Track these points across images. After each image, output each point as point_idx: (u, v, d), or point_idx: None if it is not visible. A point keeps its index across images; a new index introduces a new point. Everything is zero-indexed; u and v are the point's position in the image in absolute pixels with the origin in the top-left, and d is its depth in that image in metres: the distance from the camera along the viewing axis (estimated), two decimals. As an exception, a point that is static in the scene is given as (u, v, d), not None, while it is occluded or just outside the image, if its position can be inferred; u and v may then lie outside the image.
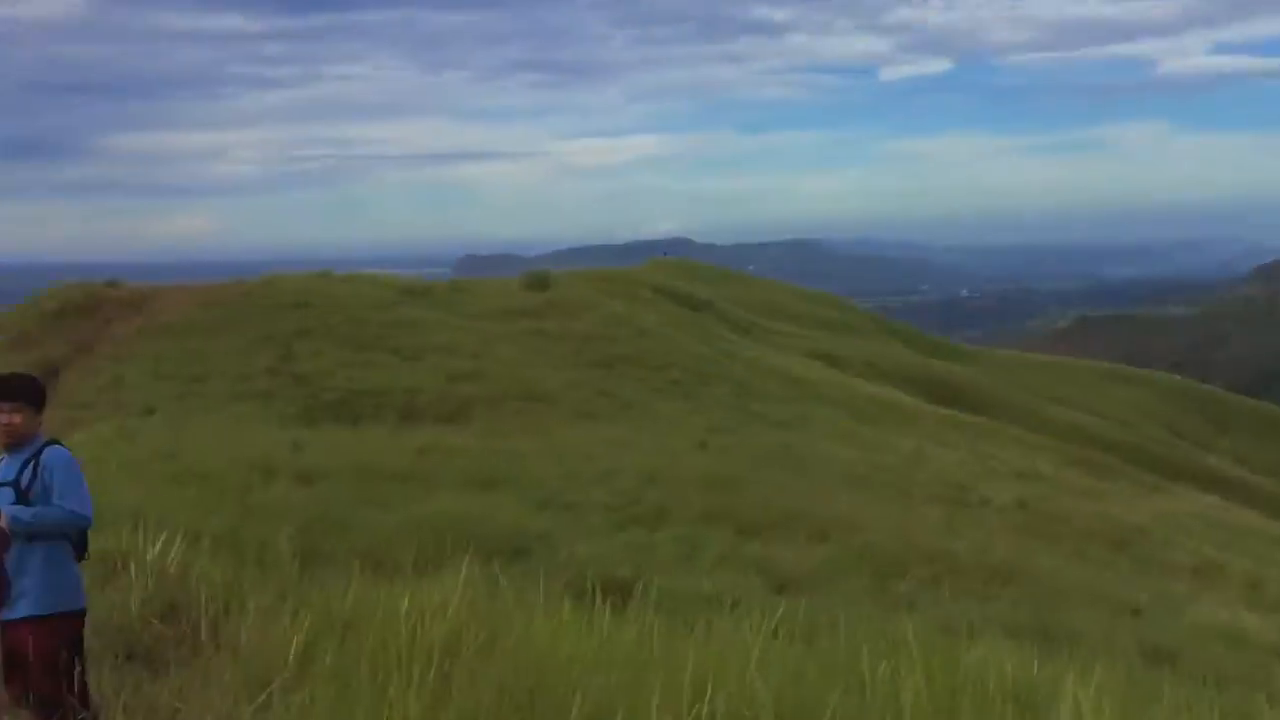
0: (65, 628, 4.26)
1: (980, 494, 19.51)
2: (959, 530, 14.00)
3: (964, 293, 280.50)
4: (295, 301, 24.26)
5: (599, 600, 5.12)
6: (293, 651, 4.45)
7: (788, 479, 15.70)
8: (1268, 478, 45.18)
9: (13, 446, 4.33)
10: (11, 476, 4.34)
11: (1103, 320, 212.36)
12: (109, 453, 10.96)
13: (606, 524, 10.33)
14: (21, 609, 4.19)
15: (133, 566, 5.31)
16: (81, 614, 4.35)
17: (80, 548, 4.43)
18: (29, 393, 4.37)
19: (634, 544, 8.97)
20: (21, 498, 4.26)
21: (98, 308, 22.97)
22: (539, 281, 30.30)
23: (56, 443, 4.45)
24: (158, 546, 5.51)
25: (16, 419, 4.28)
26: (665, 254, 79.39)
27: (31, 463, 4.31)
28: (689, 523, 10.96)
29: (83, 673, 4.23)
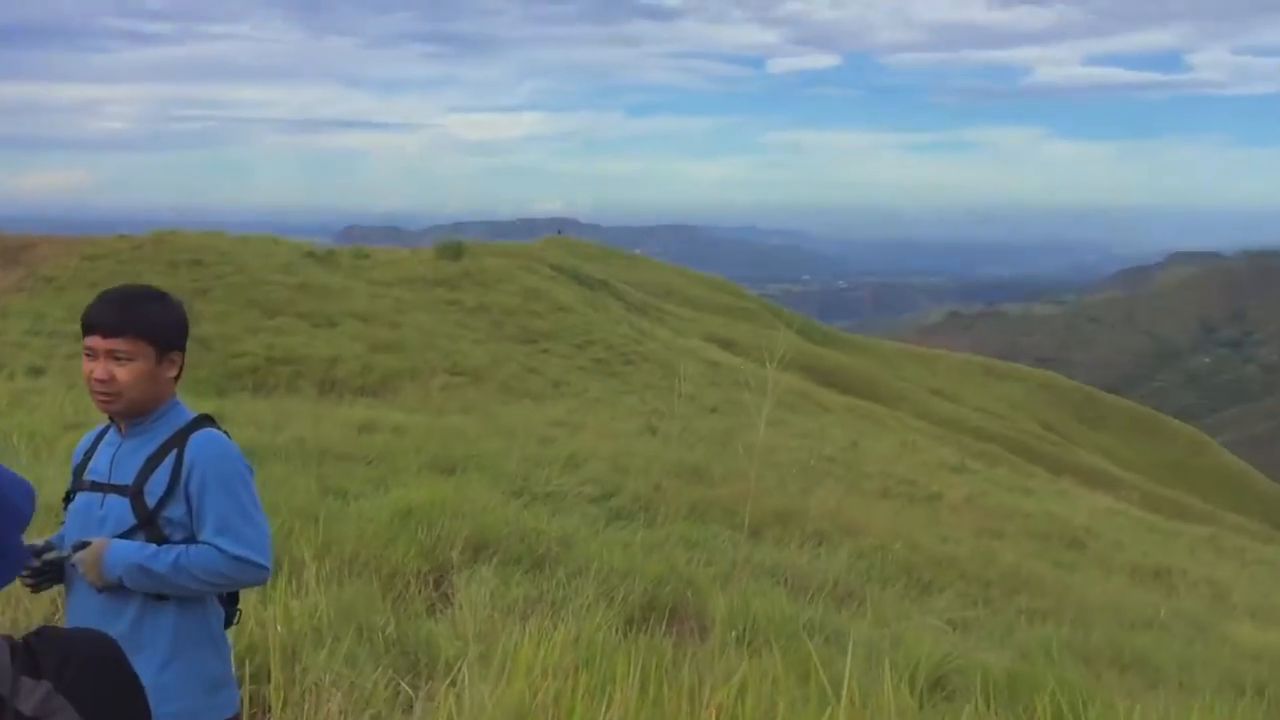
0: None
1: (928, 489, 18.85)
2: (939, 531, 13.17)
3: (842, 284, 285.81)
4: (191, 259, 22.23)
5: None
6: None
7: (748, 469, 14.65)
8: (1137, 475, 46.39)
9: (127, 417, 2.58)
10: (130, 478, 2.55)
11: (973, 316, 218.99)
12: (4, 421, 9.22)
13: (598, 519, 9.07)
14: None
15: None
16: None
17: (230, 606, 2.72)
18: (144, 323, 2.51)
19: (644, 545, 7.74)
20: (147, 521, 2.52)
21: (-33, 256, 20.59)
22: (453, 251, 28.66)
23: (209, 423, 2.65)
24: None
25: (119, 371, 2.50)
26: (560, 232, 78.03)
27: (169, 458, 2.54)
28: (682, 520, 9.78)
29: None
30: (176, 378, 2.63)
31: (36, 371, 14.20)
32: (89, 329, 2.52)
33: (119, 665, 1.18)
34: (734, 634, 4.95)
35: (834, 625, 5.67)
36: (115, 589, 2.49)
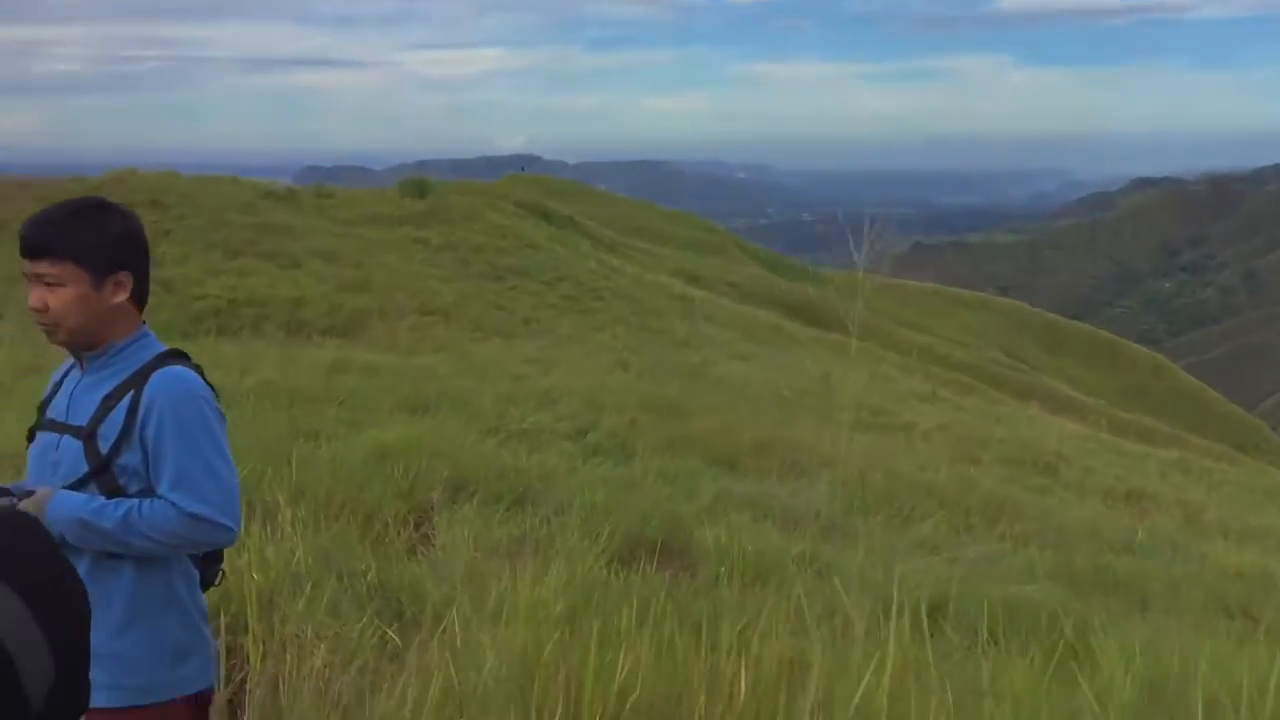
0: None
1: (900, 418, 18.89)
2: (915, 460, 13.17)
3: (806, 216, 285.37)
4: (149, 200, 21.67)
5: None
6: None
7: (724, 402, 14.60)
8: (1100, 399, 46.89)
9: (78, 349, 2.32)
10: (85, 418, 2.28)
11: (937, 246, 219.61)
12: (-40, 368, 8.93)
13: (574, 455, 8.95)
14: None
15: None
16: (203, 699, 2.37)
17: (209, 566, 2.44)
18: (71, 242, 2.22)
19: (624, 482, 7.62)
20: (100, 469, 2.24)
21: (-85, 201, 19.94)
22: (417, 188, 28.17)
23: (177, 359, 2.35)
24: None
25: (50, 297, 2.23)
26: (524, 169, 77.14)
27: (127, 398, 2.25)
28: (659, 454, 9.67)
29: None
30: (139, 305, 2.33)
31: (-8, 318, 13.80)
32: (20, 250, 2.28)
33: (46, 541, 1.12)
34: (724, 569, 4.84)
35: (824, 558, 5.58)
36: (62, 543, 2.18)
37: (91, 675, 2.05)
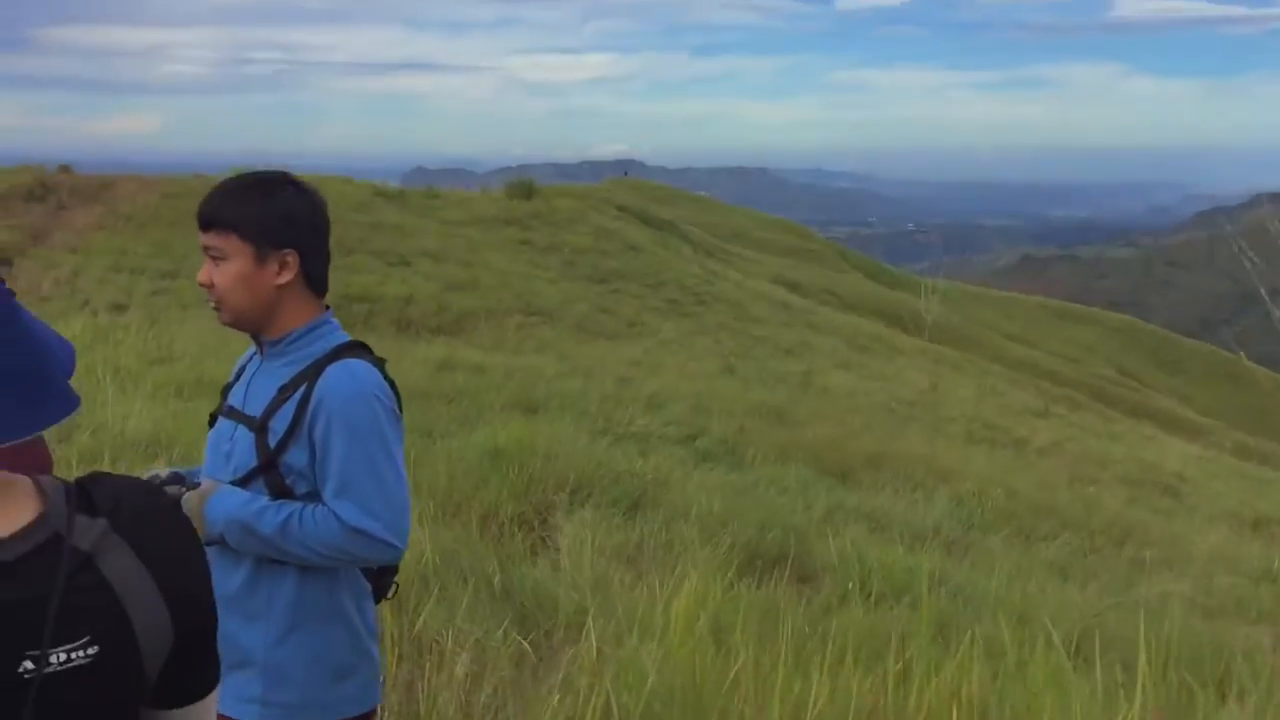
0: None
1: (1013, 434, 18.35)
2: (1032, 477, 12.73)
3: (910, 226, 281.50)
4: (266, 197, 22.15)
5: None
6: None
7: (831, 412, 14.31)
8: (1217, 421, 45.07)
9: (246, 331, 2.16)
10: (259, 409, 2.10)
11: (1046, 259, 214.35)
12: (89, 355, 9.16)
13: (685, 460, 8.80)
14: (230, 704, 2.04)
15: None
16: None
17: (382, 577, 2.23)
18: (235, 213, 2.08)
19: (738, 490, 7.45)
20: (267, 464, 2.07)
21: (50, 194, 20.68)
22: (523, 190, 28.36)
23: (357, 351, 2.15)
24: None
25: (216, 273, 2.09)
26: (626, 174, 77.35)
27: (299, 391, 2.06)
28: (770, 462, 9.48)
29: None
30: (315, 290, 2.16)
31: (118, 308, 14.23)
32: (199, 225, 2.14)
33: (174, 514, 1.16)
34: (852, 585, 4.64)
35: (954, 578, 5.35)
36: (220, 543, 2.07)
37: (245, 686, 2.00)
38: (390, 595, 2.28)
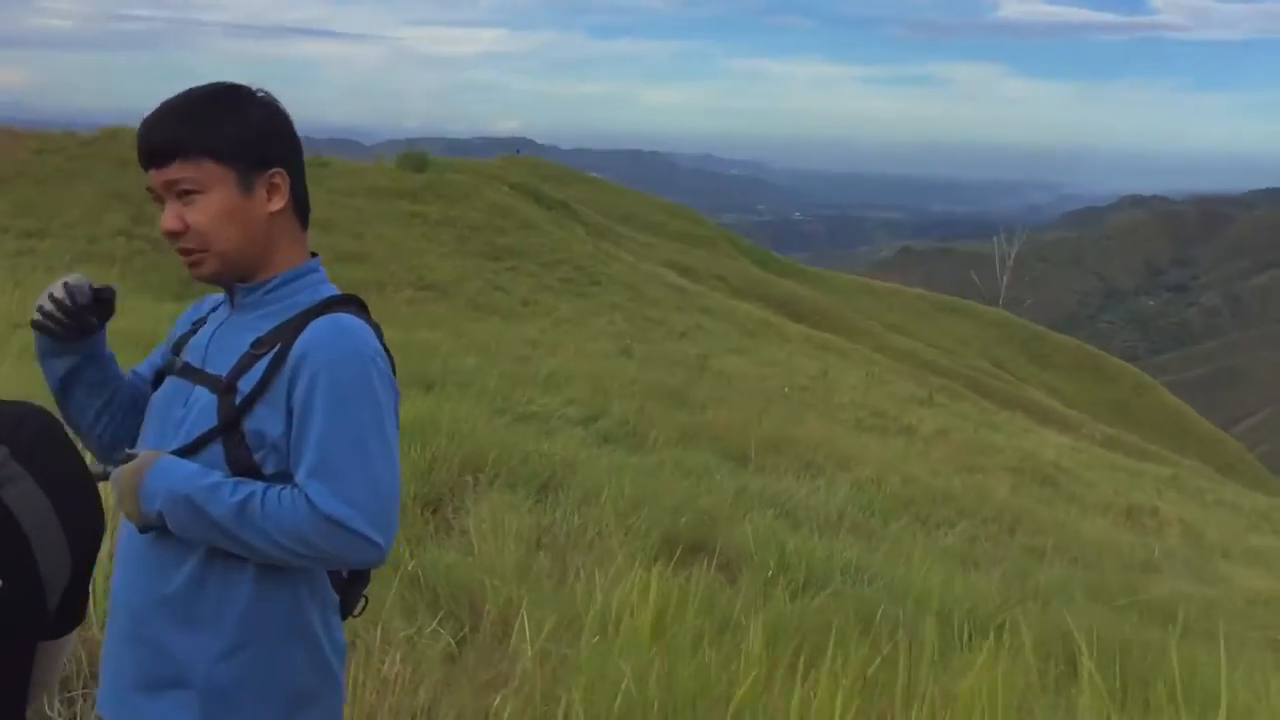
0: None
1: (901, 421, 18.64)
2: (924, 464, 12.90)
3: (797, 215, 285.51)
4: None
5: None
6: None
7: (727, 396, 14.30)
8: (1082, 413, 46.85)
9: (232, 282, 1.77)
10: (226, 367, 1.71)
11: (925, 252, 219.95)
12: (-51, 318, 8.52)
13: (586, 440, 8.62)
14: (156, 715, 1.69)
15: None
16: None
17: (350, 588, 1.83)
18: (209, 132, 1.67)
19: (644, 472, 7.30)
20: (229, 424, 1.68)
21: (-98, 144, 19.38)
22: (416, 162, 27.73)
23: (350, 306, 1.79)
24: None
25: (190, 212, 1.68)
26: (519, 152, 76.54)
27: (276, 348, 1.69)
28: (672, 445, 9.36)
29: None
30: (303, 221, 1.79)
31: (-20, 269, 13.36)
32: (141, 161, 1.70)
33: (69, 441, 1.10)
34: (775, 574, 4.52)
35: (867, 565, 5.27)
36: (160, 530, 1.66)
37: (177, 711, 1.65)
38: (358, 613, 1.85)
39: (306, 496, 1.61)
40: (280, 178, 1.72)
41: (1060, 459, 19.64)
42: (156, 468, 1.64)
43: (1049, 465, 18.12)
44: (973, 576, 5.86)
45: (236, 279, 1.75)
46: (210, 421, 1.66)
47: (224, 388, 1.67)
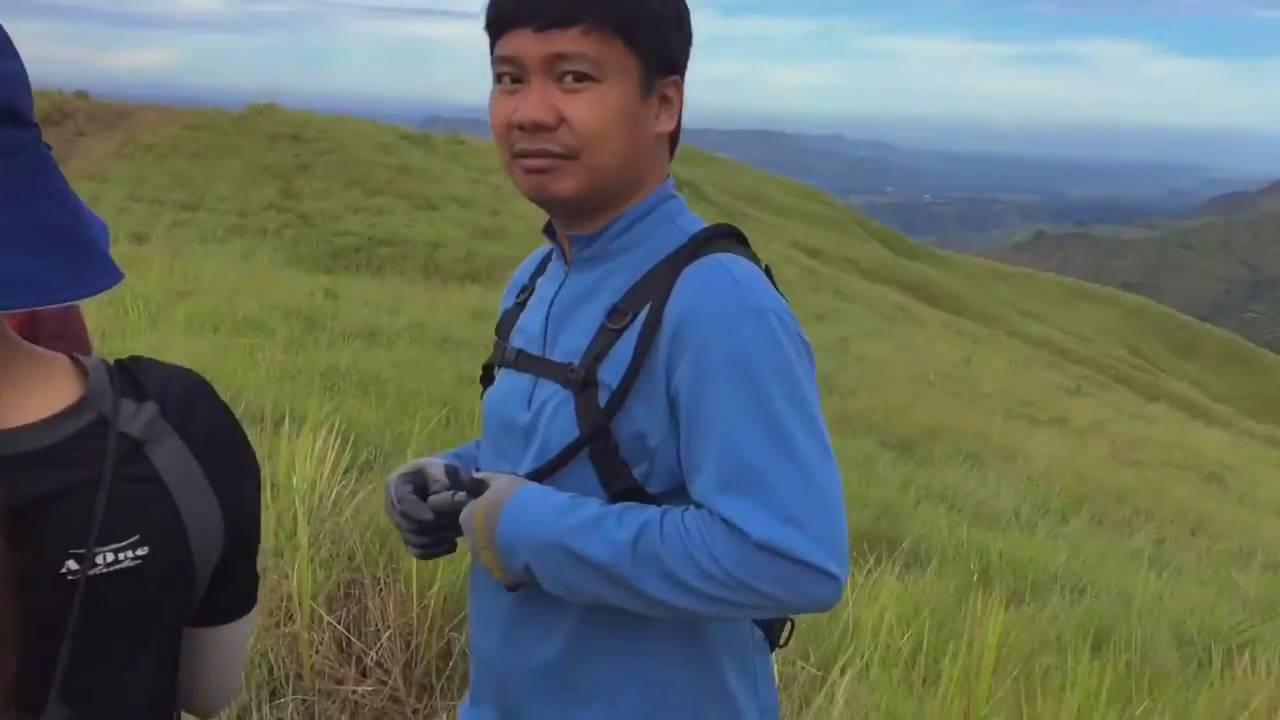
0: None
1: (1051, 411, 17.82)
2: (1086, 457, 12.22)
3: (926, 197, 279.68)
4: (290, 134, 21.60)
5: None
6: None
7: (875, 381, 13.79)
8: (1228, 407, 44.57)
9: (574, 218, 1.31)
10: (577, 349, 1.26)
11: (1061, 237, 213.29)
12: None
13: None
14: None
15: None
16: None
17: (770, 624, 1.35)
18: (634, 8, 1.21)
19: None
20: (595, 434, 1.22)
21: (66, 120, 20.10)
22: (551, 138, 27.65)
23: (730, 245, 1.26)
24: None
25: (572, 105, 1.21)
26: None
27: (644, 312, 1.22)
28: (830, 431, 8.91)
29: None
30: (673, 141, 1.33)
31: (139, 238, 13.68)
32: (506, 20, 1.24)
33: (219, 401, 0.97)
34: (976, 578, 4.12)
35: (1077, 574, 4.83)
36: (529, 584, 1.26)
37: None
38: (784, 642, 1.39)
39: (723, 519, 1.15)
40: (677, 90, 1.30)
41: (1223, 455, 18.54)
42: (513, 504, 1.22)
43: (1213, 462, 17.11)
44: (1190, 588, 5.36)
45: (588, 210, 1.28)
46: (569, 431, 1.24)
47: (580, 380, 1.24)
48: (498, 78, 1.28)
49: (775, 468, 1.14)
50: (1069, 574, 4.75)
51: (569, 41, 1.20)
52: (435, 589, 2.53)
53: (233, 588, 1.00)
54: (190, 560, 0.91)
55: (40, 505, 0.82)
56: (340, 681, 2.39)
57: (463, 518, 1.27)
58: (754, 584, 1.13)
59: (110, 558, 0.85)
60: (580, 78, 1.21)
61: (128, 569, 0.87)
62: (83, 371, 0.91)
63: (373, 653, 2.45)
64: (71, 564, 0.84)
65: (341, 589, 2.69)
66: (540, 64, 1.22)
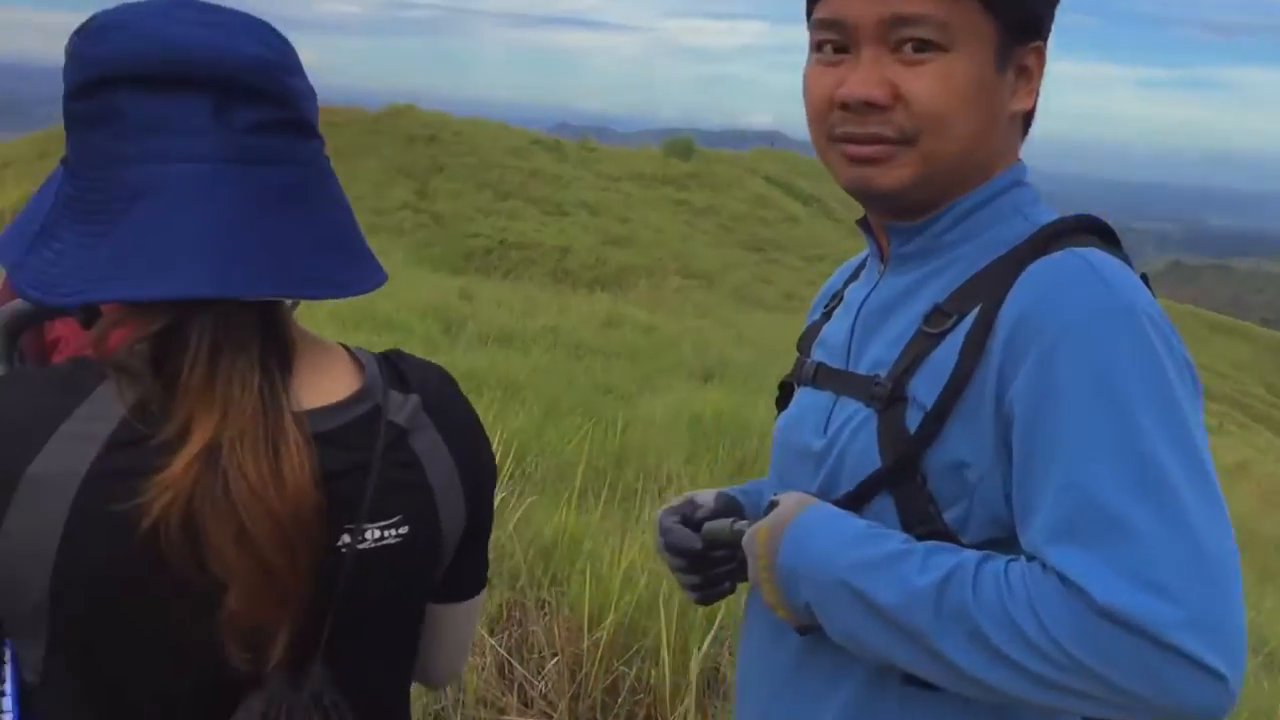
0: None
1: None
2: (1234, 502, 11.54)
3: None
4: (428, 135, 21.95)
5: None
6: None
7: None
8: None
9: (903, 212, 1.06)
10: (885, 360, 1.03)
11: (1198, 268, 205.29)
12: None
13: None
14: None
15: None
16: None
17: None
18: None
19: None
20: (901, 467, 0.97)
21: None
22: (682, 149, 27.64)
23: (1089, 240, 0.99)
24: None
25: (913, 78, 0.99)
26: (773, 144, 76.00)
27: (971, 315, 0.98)
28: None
29: None
30: (1028, 120, 1.11)
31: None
32: None
33: (464, 397, 1.04)
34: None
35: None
36: (814, 628, 1.02)
37: None
38: None
39: (1058, 574, 0.88)
40: (1039, 59, 1.07)
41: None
42: (797, 525, 1.00)
43: (1372, 514, 16.08)
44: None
45: (916, 203, 1.05)
46: (867, 459, 1.01)
47: (886, 396, 1.01)
48: (816, 46, 1.06)
49: (1139, 514, 0.85)
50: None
51: (915, 2, 0.99)
52: (610, 620, 2.37)
53: (469, 569, 1.06)
54: (440, 542, 0.97)
55: (324, 482, 0.87)
56: (503, 710, 2.25)
57: (745, 540, 1.05)
58: (1091, 664, 0.85)
59: (376, 534, 0.92)
60: (923, 46, 0.99)
61: (389, 546, 0.93)
62: (357, 362, 0.97)
63: (539, 682, 2.30)
64: (345, 538, 0.90)
65: (504, 611, 2.55)
66: (874, 29, 1.00)
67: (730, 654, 2.54)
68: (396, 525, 0.93)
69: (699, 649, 2.35)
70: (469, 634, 1.13)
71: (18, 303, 1.14)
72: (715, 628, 2.44)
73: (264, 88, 0.84)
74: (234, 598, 0.83)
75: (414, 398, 0.96)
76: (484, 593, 1.11)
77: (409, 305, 8.87)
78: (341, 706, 0.89)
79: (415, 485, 0.95)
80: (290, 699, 0.87)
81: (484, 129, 25.29)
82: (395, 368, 0.98)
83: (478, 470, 1.01)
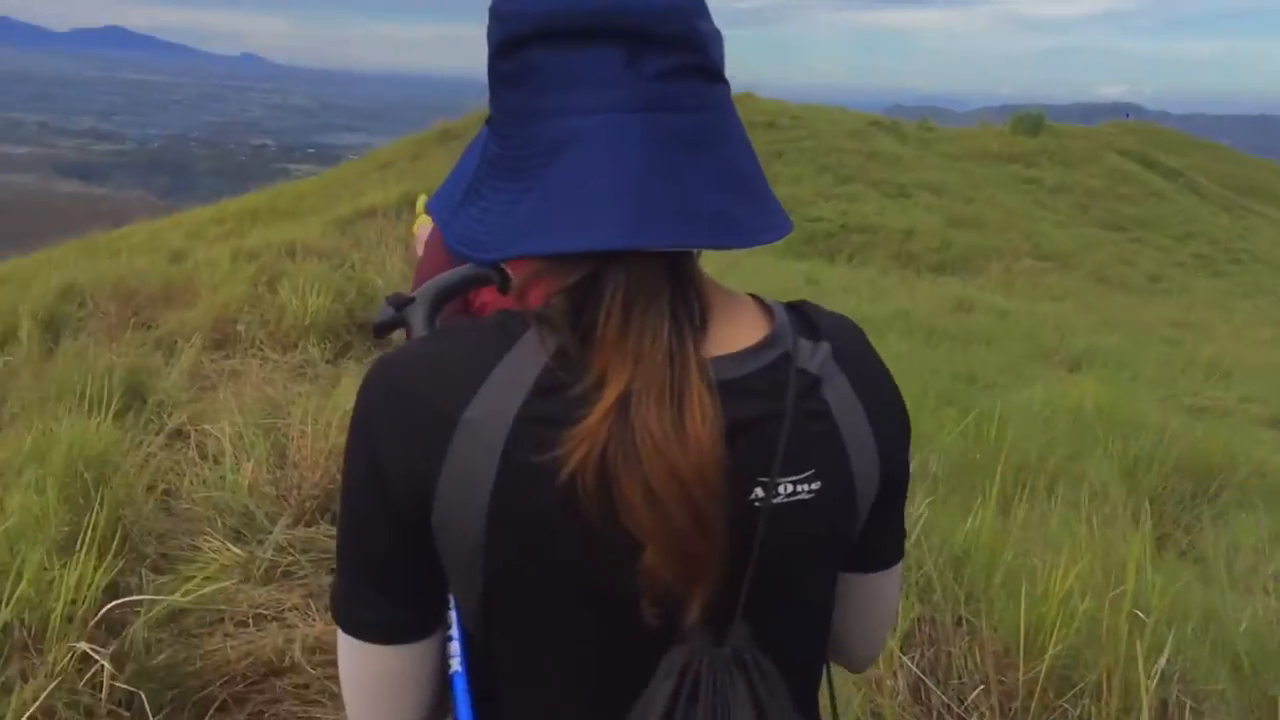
0: None
1: None
2: None
3: None
4: (766, 121, 21.90)
5: None
6: None
7: None
8: None
9: None
10: None
11: None
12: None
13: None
14: None
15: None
16: None
17: None
18: None
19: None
20: None
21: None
22: (1030, 125, 26.06)
23: None
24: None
25: None
26: (1128, 116, 70.57)
27: None
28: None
29: None
30: None
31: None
32: None
33: (880, 360, 1.00)
34: None
35: None
36: None
37: None
38: None
39: None
40: None
41: None
42: None
43: None
44: None
45: None
46: None
47: None
48: None
49: None
50: None
51: None
52: (1051, 652, 2.06)
53: (884, 534, 1.02)
54: (854, 500, 0.94)
55: (732, 432, 0.84)
56: (923, 738, 2.00)
57: None
58: None
59: (790, 488, 0.88)
60: None
61: (803, 501, 0.89)
62: (766, 310, 0.94)
63: (959, 710, 2.03)
64: (759, 491, 0.87)
65: (917, 626, 2.31)
66: None
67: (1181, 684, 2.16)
68: (810, 480, 0.90)
69: (1147, 686, 1.97)
70: (889, 610, 1.08)
71: (447, 274, 1.27)
72: (1164, 657, 2.07)
73: (675, 34, 0.83)
74: (650, 553, 0.82)
75: (825, 345, 0.94)
76: (902, 564, 1.06)
77: (757, 291, 8.76)
78: (765, 665, 0.86)
79: (827, 438, 0.92)
80: (712, 655, 0.85)
81: (821, 113, 24.94)
82: (806, 317, 0.97)
83: (891, 425, 0.97)
